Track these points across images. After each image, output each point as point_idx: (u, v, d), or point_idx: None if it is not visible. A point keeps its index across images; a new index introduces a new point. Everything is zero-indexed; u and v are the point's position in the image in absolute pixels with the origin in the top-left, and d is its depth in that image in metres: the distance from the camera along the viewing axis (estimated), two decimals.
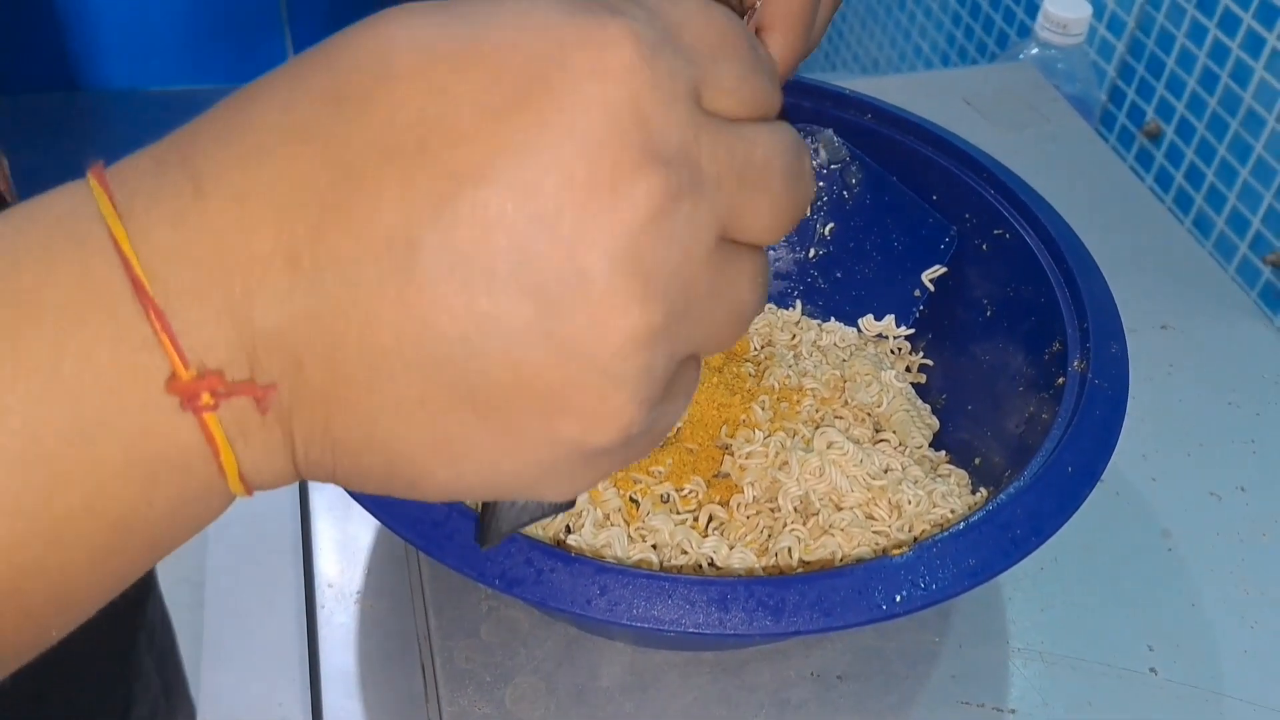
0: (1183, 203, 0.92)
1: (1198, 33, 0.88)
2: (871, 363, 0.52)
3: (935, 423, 0.52)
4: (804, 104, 0.56)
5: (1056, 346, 0.46)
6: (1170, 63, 0.91)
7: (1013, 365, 0.49)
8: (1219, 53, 0.86)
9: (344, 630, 0.48)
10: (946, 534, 0.39)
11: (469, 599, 0.48)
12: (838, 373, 0.52)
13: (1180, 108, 0.91)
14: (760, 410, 0.49)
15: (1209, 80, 0.87)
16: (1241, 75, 0.84)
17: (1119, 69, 0.98)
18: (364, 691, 0.46)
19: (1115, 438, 0.41)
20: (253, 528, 0.54)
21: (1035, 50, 0.86)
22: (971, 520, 0.39)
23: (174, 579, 0.86)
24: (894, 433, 0.50)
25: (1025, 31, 1.13)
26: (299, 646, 0.49)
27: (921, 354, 0.55)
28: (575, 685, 0.46)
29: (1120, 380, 0.43)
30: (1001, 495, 0.40)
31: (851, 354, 0.54)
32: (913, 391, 0.53)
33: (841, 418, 0.51)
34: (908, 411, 0.51)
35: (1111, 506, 0.53)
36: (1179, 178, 0.92)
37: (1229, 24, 0.85)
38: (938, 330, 0.54)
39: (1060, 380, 0.45)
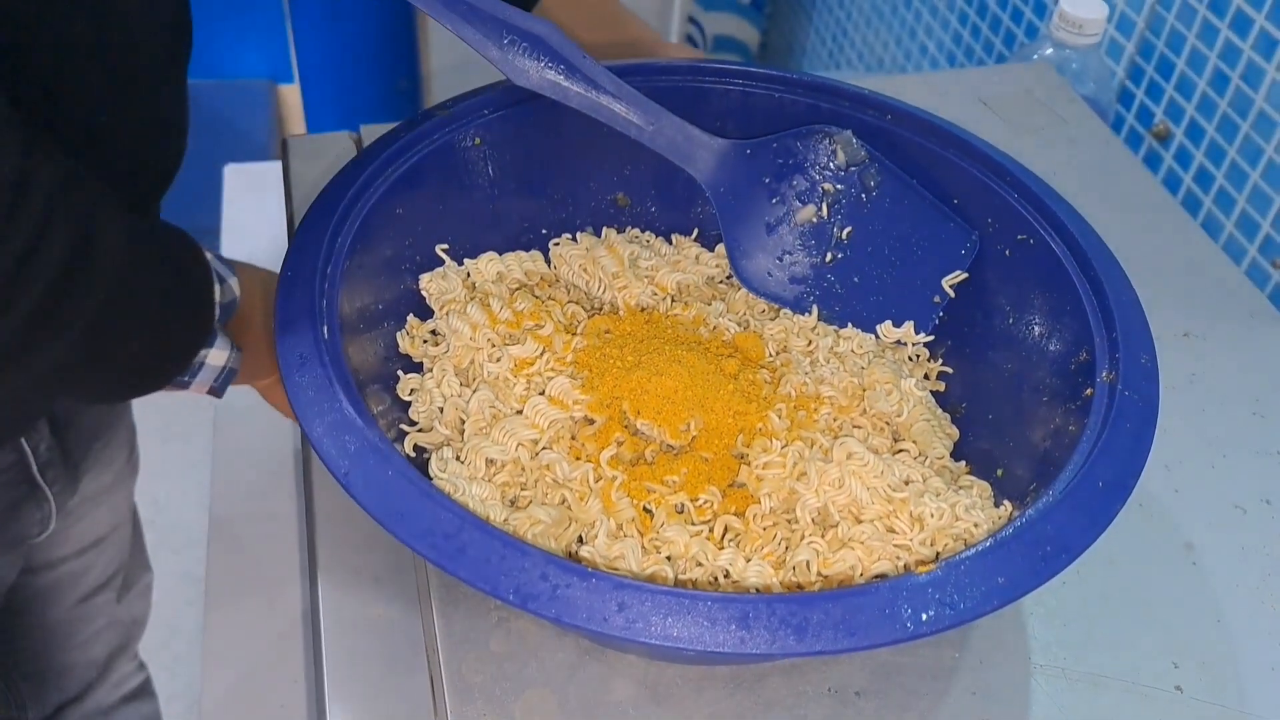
0: (1191, 206, 0.91)
1: (1209, 33, 0.87)
2: (891, 370, 0.51)
3: (955, 432, 0.51)
4: (822, 104, 0.54)
5: (1083, 356, 0.45)
6: (1180, 64, 0.90)
7: (1037, 374, 0.48)
8: (1230, 54, 0.85)
9: (351, 641, 0.47)
10: (975, 551, 0.38)
11: (478, 609, 0.47)
12: (856, 380, 0.51)
13: (1190, 109, 0.90)
14: (777, 419, 0.48)
15: (1220, 82, 0.86)
16: (1253, 77, 0.83)
17: (1128, 70, 0.97)
18: (370, 703, 0.45)
19: (1146, 452, 0.40)
20: (256, 538, 0.53)
21: (1049, 50, 0.85)
22: (1000, 537, 0.38)
23: (175, 578, 0.85)
24: (914, 442, 0.49)
25: (1033, 33, 1.12)
26: (304, 656, 0.48)
27: (940, 361, 0.54)
28: (586, 699, 0.45)
29: (1151, 393, 0.42)
30: (1030, 510, 0.39)
31: (869, 361, 0.53)
32: (933, 400, 0.52)
33: (860, 426, 0.50)
34: (928, 421, 0.49)
35: (1135, 519, 0.52)
36: (1187, 180, 0.91)
37: (1241, 25, 0.84)
38: (958, 337, 0.53)
39: (1088, 392, 0.44)
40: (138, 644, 0.82)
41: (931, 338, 0.54)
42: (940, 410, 0.52)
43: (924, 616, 0.36)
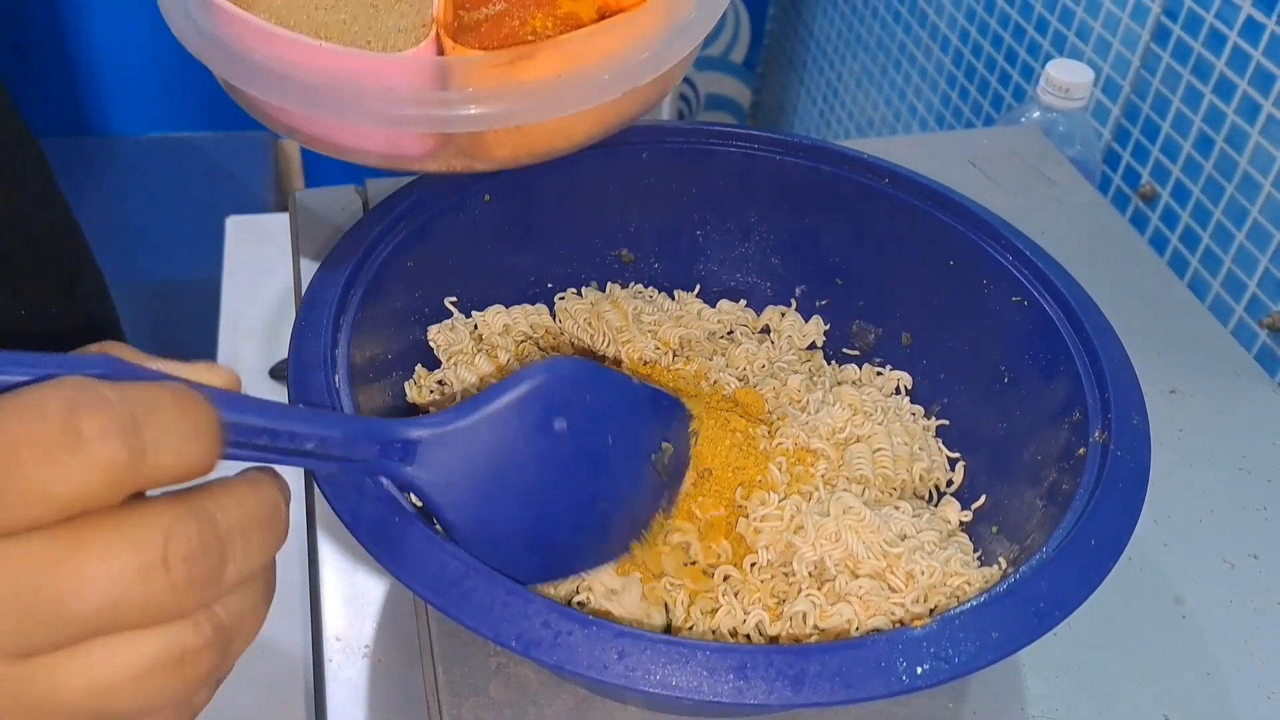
0: (1178, 266, 0.93)
1: (1193, 97, 0.89)
2: (885, 427, 0.52)
3: (951, 489, 0.52)
4: (822, 167, 0.56)
5: (1076, 417, 0.46)
6: (1165, 127, 0.93)
7: (1031, 434, 0.49)
8: (1214, 118, 0.87)
9: (352, 686, 0.48)
10: (969, 606, 0.38)
11: (478, 656, 0.47)
12: (851, 433, 0.52)
13: (1176, 171, 0.92)
14: (777, 471, 0.49)
15: (1204, 145, 0.89)
16: (1237, 140, 0.85)
17: (1114, 132, 0.99)
18: None
19: (1138, 511, 0.41)
20: None
21: (1037, 113, 0.87)
22: (995, 592, 0.39)
23: None
24: (909, 499, 0.50)
25: (1021, 95, 1.14)
26: (306, 701, 0.48)
27: (935, 420, 0.55)
28: None
29: (1142, 453, 0.43)
30: (1024, 567, 0.40)
31: (864, 418, 0.54)
32: (927, 458, 0.53)
33: (857, 481, 0.50)
34: (923, 479, 0.50)
35: (1125, 572, 0.53)
36: (1174, 240, 0.93)
37: (1224, 90, 0.86)
38: (952, 396, 0.54)
39: (1081, 451, 0.45)
40: None
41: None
42: (935, 468, 0.53)
43: (919, 670, 0.36)
